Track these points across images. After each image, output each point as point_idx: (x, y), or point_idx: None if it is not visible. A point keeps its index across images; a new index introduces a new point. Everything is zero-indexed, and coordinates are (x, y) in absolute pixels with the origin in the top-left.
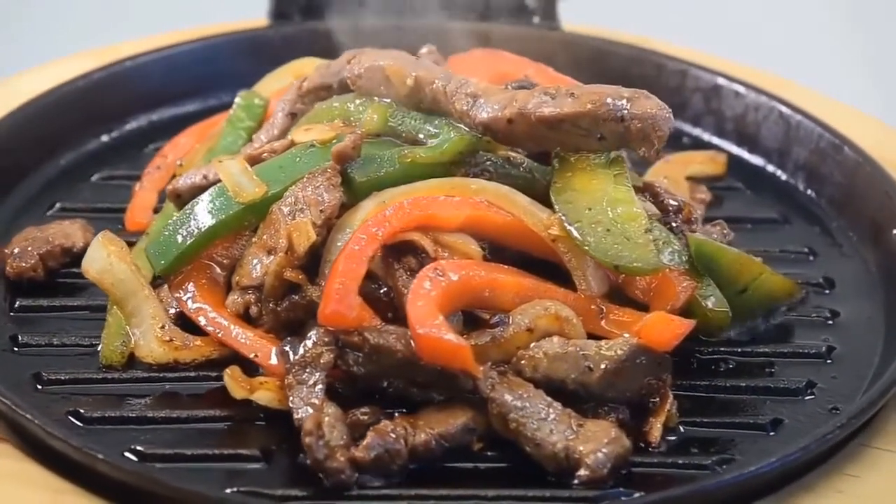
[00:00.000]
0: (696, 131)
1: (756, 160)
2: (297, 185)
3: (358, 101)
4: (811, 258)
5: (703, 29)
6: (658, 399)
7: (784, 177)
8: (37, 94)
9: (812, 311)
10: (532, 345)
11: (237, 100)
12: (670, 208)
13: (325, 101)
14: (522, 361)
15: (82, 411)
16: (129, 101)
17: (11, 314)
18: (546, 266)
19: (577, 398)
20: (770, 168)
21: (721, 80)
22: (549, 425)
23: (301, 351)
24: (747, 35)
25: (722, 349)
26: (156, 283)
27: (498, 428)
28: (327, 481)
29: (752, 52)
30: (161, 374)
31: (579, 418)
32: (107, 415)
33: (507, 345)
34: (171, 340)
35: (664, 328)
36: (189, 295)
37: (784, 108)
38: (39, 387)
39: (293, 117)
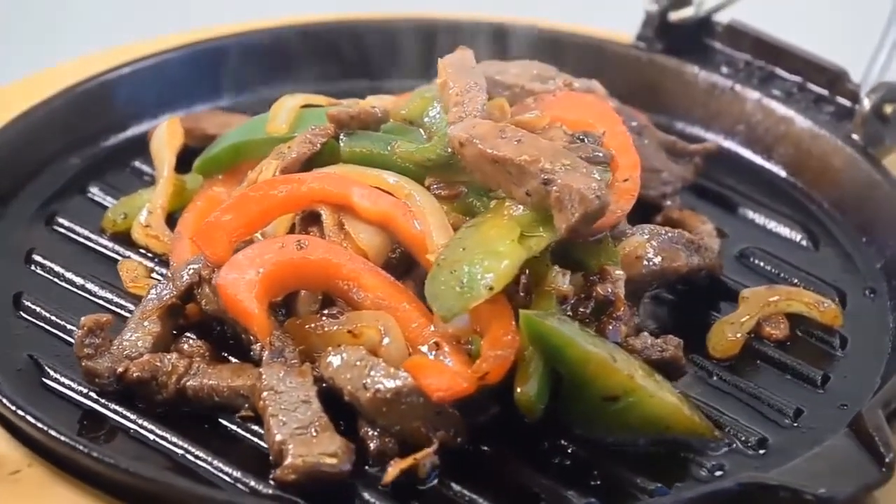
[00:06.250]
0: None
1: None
2: (300, 134)
3: (429, 92)
4: (794, 424)
5: None
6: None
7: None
8: None
9: (709, 462)
10: (341, 346)
11: None
12: (594, 296)
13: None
14: (324, 359)
15: (37, 255)
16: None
17: (128, 171)
18: None
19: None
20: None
21: None
22: (287, 416)
23: (174, 267)
24: None
25: (579, 445)
26: None
27: (254, 402)
28: (83, 379)
29: None
30: (128, 254)
31: (327, 427)
32: (45, 263)
33: (326, 338)
34: (148, 227)
35: (433, 377)
36: (197, 196)
37: None
38: (53, 227)
39: None
